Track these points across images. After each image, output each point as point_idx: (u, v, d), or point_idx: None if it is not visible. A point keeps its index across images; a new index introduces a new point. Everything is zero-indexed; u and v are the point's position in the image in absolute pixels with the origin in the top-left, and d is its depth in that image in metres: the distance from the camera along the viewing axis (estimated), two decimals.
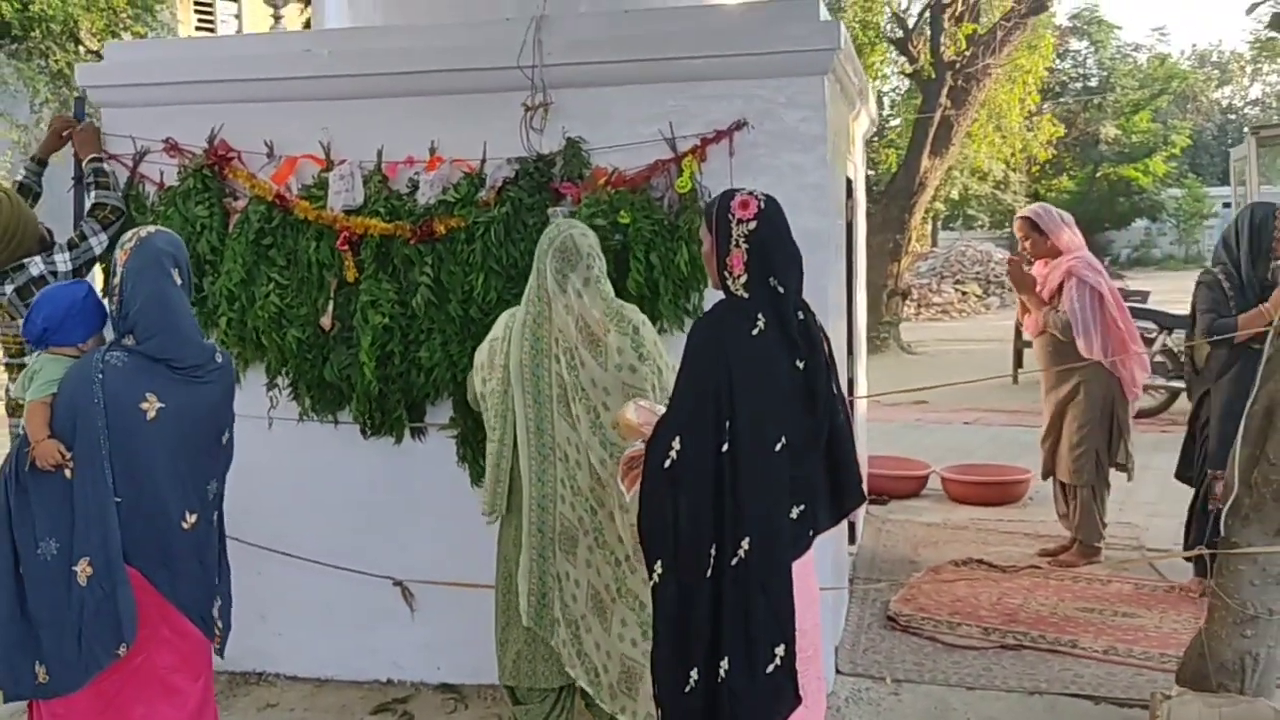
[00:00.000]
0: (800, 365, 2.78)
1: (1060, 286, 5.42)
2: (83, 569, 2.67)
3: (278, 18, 6.82)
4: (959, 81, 14.14)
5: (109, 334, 2.93)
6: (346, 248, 3.96)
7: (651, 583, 2.79)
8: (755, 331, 2.74)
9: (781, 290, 2.76)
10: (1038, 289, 5.60)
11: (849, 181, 5.13)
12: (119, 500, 2.70)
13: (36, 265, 3.84)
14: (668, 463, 2.73)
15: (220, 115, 4.16)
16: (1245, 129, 14.63)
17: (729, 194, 2.80)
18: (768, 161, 3.86)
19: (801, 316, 2.81)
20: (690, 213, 3.84)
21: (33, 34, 13.66)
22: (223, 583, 3.04)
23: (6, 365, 3.97)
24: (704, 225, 2.87)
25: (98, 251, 4.05)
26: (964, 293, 23.33)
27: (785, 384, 2.76)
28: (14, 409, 3.91)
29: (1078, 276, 5.36)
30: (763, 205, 2.76)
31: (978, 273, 24.51)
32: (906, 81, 18.16)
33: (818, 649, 2.99)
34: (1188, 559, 5.02)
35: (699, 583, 2.73)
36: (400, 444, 4.14)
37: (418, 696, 4.15)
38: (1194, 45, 48.68)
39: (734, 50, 3.86)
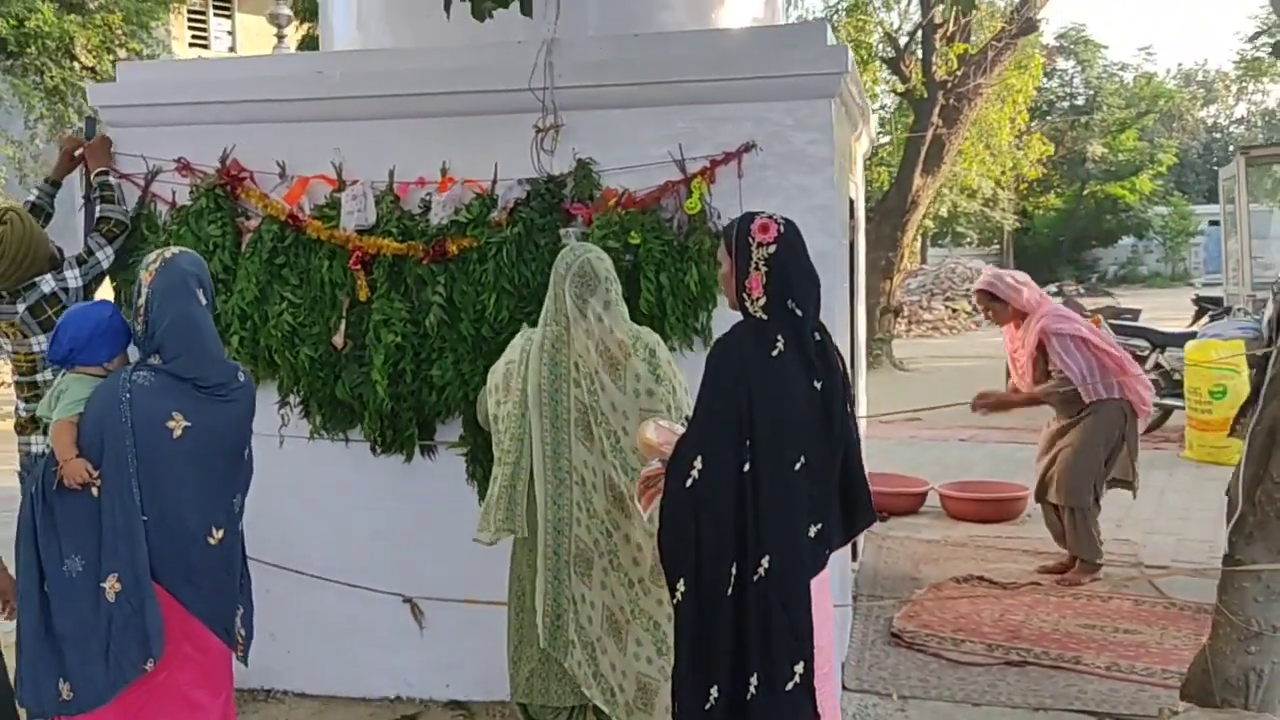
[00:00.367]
0: (818, 386, 2.83)
1: (1040, 345, 5.47)
2: (111, 585, 2.70)
3: (281, 36, 6.86)
4: (950, 100, 14.26)
5: (132, 353, 2.96)
6: (359, 267, 3.99)
7: (674, 600, 2.82)
8: (774, 353, 2.78)
9: (800, 313, 2.81)
10: (1014, 351, 5.67)
11: (850, 202, 5.20)
12: (145, 518, 2.73)
13: (48, 283, 3.87)
14: (689, 482, 2.77)
15: (232, 135, 4.19)
16: (1235, 149, 14.79)
17: (749, 217, 2.84)
18: (776, 183, 3.92)
19: (819, 338, 2.86)
20: (700, 234, 3.89)
21: (28, 50, 13.66)
22: (245, 592, 3.07)
23: (17, 383, 3.99)
24: (723, 247, 2.92)
25: (105, 266, 4.08)
26: (954, 310, 23.45)
27: (803, 404, 2.81)
28: (22, 426, 3.93)
29: (1054, 334, 5.41)
30: (782, 229, 2.81)
31: (967, 290, 24.57)
32: (896, 100, 18.28)
33: (833, 666, 3.03)
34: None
35: (720, 600, 2.77)
36: (410, 462, 4.17)
37: (426, 714, 4.17)
38: (1179, 64, 49.16)
39: (742, 74, 3.92)
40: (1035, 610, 5.04)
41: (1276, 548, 3.34)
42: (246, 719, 4.14)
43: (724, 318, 3.86)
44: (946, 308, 23.39)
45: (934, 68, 14.47)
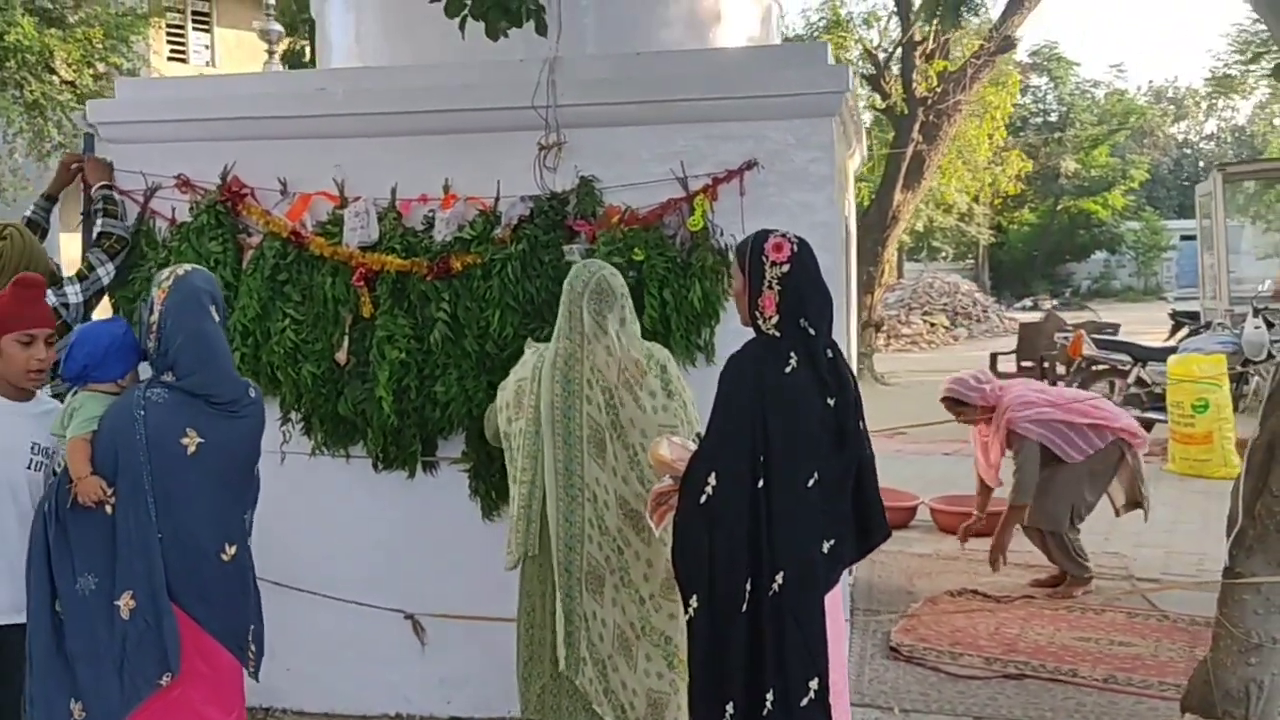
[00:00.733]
0: (831, 403, 2.85)
1: (1009, 436, 5.50)
2: (125, 602, 2.69)
3: (271, 52, 6.85)
4: (930, 117, 14.39)
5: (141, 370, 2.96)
6: (362, 284, 4.00)
7: (687, 616, 2.84)
8: (788, 370, 2.81)
9: (813, 332, 2.83)
10: (985, 445, 5.71)
11: (845, 219, 5.24)
12: (160, 535, 2.72)
13: (48, 298, 3.84)
14: (703, 498, 2.79)
15: (233, 152, 4.19)
16: (1214, 165, 14.99)
17: (762, 235, 2.87)
18: (778, 200, 3.95)
19: (831, 355, 2.88)
20: (703, 250, 3.92)
21: (7, 64, 13.54)
22: (256, 608, 3.06)
23: None
24: (736, 264, 2.94)
25: (105, 282, 4.07)
26: (932, 324, 23.60)
27: (816, 421, 2.83)
28: None
29: (1021, 423, 5.43)
30: (796, 248, 2.84)
31: (945, 304, 24.81)
32: (874, 116, 18.42)
33: (846, 681, 3.04)
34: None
35: (734, 616, 2.78)
36: (413, 478, 4.17)
37: None
38: (1150, 81, 49.83)
39: (744, 92, 3.96)
40: (1030, 624, 5.08)
41: (1276, 560, 3.39)
42: None
43: (727, 333, 3.91)
44: (925, 321, 23.53)
45: (914, 84, 14.59)
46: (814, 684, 2.80)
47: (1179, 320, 13.39)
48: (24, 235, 3.88)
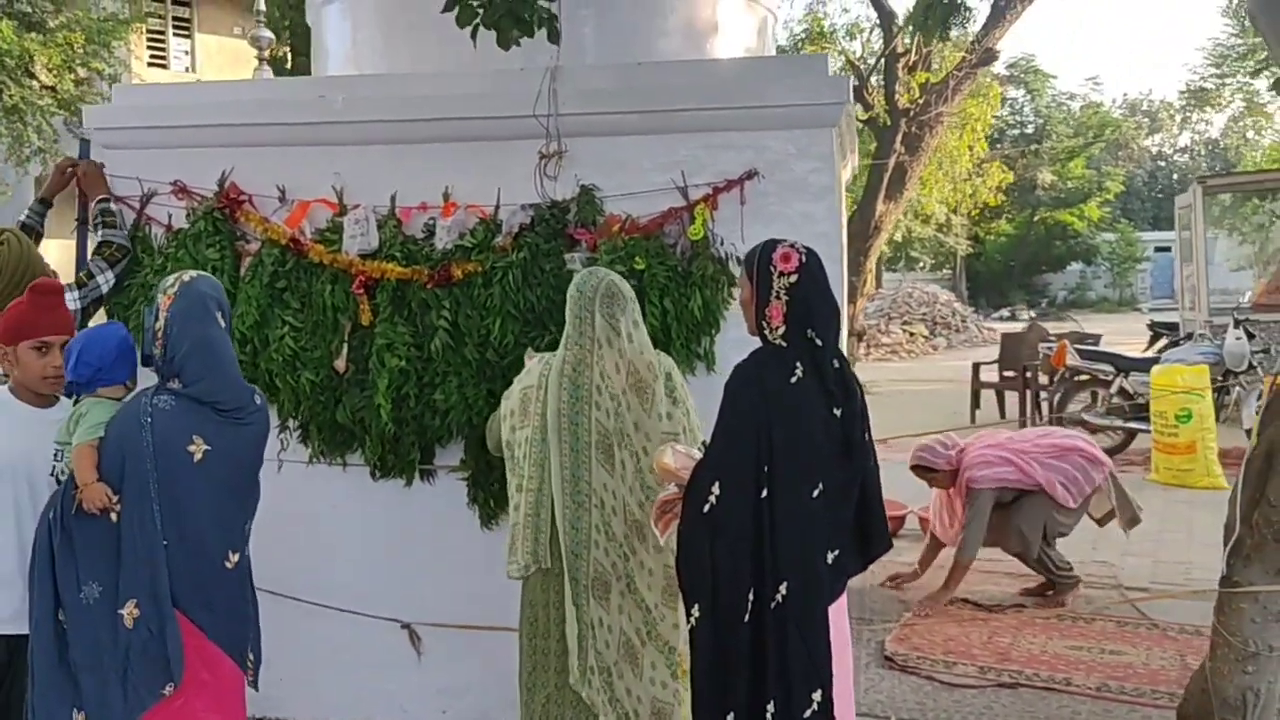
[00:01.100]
0: (837, 413, 2.87)
1: (968, 493, 5.55)
2: (130, 610, 2.67)
3: (261, 59, 6.82)
4: (912, 128, 14.46)
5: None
6: (362, 291, 3.98)
7: (689, 625, 2.84)
8: (794, 380, 2.82)
9: (820, 342, 2.84)
10: (949, 503, 5.74)
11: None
12: (165, 542, 2.70)
13: None
14: (707, 507, 2.79)
15: (230, 159, 4.17)
16: (1186, 178, 15.17)
17: (771, 245, 2.88)
18: (778, 210, 3.97)
19: (838, 365, 2.90)
20: (703, 259, 3.93)
21: None
22: (254, 616, 3.05)
23: None
24: (743, 273, 2.96)
25: (104, 290, 4.04)
26: (911, 333, 23.72)
27: (822, 432, 2.84)
28: None
29: (977, 482, 5.50)
30: (804, 259, 2.85)
31: (924, 314, 24.93)
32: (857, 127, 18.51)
33: (850, 692, 3.05)
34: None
35: (737, 626, 2.79)
36: (410, 486, 4.15)
37: None
38: (1125, 94, 50.31)
39: (745, 102, 3.97)
40: (1022, 632, 5.11)
41: (1273, 569, 3.41)
42: None
43: (727, 343, 3.92)
44: (904, 331, 23.65)
45: (896, 96, 14.67)
46: (817, 695, 2.80)
47: (1158, 331, 13.51)
48: (21, 241, 3.85)
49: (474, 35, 3.60)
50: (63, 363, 2.92)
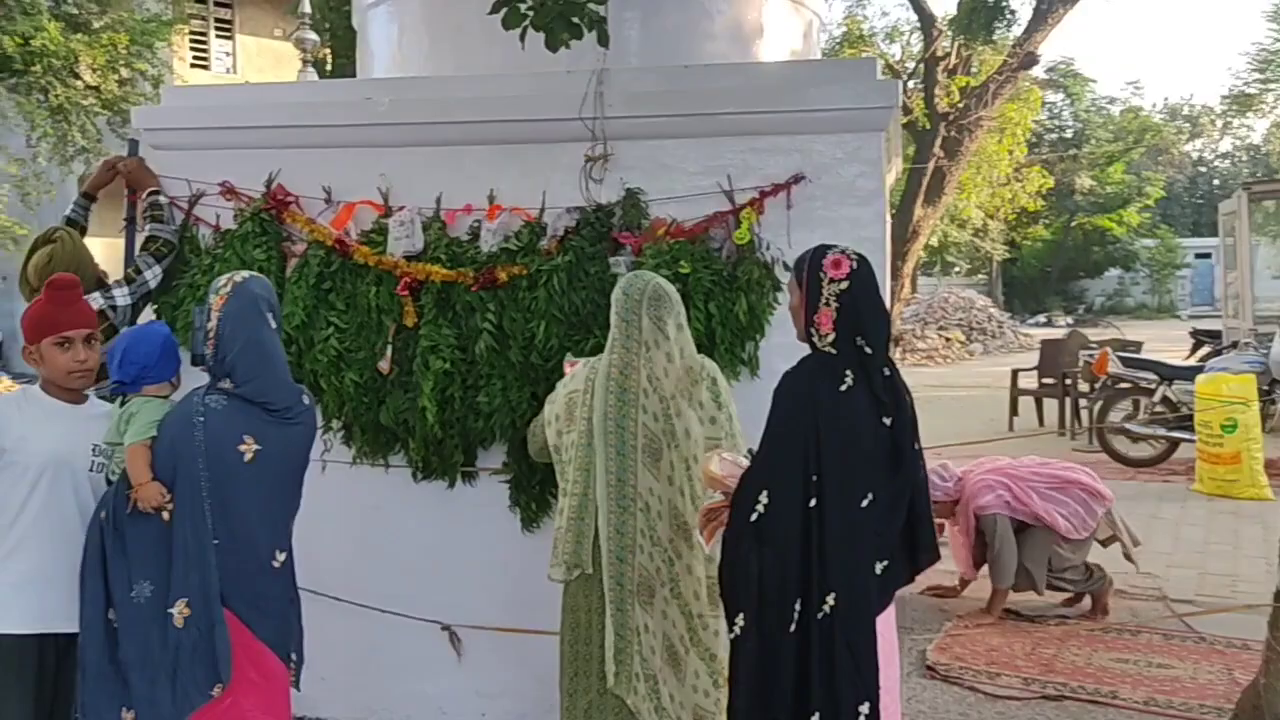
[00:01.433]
0: (887, 422, 2.82)
1: (977, 520, 5.49)
2: (180, 610, 2.69)
3: (306, 61, 6.86)
4: (952, 132, 14.38)
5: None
6: (407, 293, 3.99)
7: (733, 634, 2.81)
8: (843, 388, 2.78)
9: (870, 350, 2.81)
10: (961, 549, 5.68)
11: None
12: (216, 542, 2.71)
13: (95, 300, 3.84)
14: (754, 516, 2.76)
15: (278, 160, 4.19)
16: (1227, 183, 14.96)
17: (821, 250, 2.85)
18: (824, 214, 3.94)
19: (888, 373, 2.85)
20: (749, 264, 3.91)
21: (33, 69, 13.62)
22: (298, 616, 3.06)
23: None
24: (793, 279, 2.92)
25: (153, 285, 4.07)
26: (947, 339, 23.52)
27: (872, 441, 2.80)
28: None
29: (985, 509, 5.44)
30: (855, 265, 2.81)
31: (960, 319, 24.73)
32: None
33: (897, 704, 3.01)
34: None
35: (782, 637, 2.75)
36: (452, 488, 4.15)
37: None
38: (1165, 99, 49.53)
39: (792, 106, 3.95)
40: (1066, 644, 5.04)
41: None
42: None
43: (771, 348, 3.89)
44: (940, 336, 23.45)
45: (936, 100, 14.58)
46: (865, 708, 2.75)
47: (1200, 339, 13.33)
48: (74, 239, 3.91)
49: (522, 37, 3.59)
50: (86, 356, 2.92)
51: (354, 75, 6.46)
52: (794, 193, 3.94)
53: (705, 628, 3.19)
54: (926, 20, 14.89)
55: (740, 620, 2.78)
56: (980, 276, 39.26)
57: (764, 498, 2.76)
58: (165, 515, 2.72)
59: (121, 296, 3.90)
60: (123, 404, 2.93)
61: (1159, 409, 9.51)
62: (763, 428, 2.87)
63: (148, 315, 4.20)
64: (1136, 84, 51.26)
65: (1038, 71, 26.08)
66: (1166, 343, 17.15)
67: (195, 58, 20.35)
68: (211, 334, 2.81)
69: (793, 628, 2.75)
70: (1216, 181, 46.79)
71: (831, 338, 2.81)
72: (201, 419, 2.73)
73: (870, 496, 2.79)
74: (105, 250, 5.10)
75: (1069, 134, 40.15)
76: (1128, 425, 9.65)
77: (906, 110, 15.31)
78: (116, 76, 14.30)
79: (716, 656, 3.19)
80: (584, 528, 3.17)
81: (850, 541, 2.77)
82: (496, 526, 4.12)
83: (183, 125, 4.30)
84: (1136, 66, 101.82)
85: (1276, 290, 18.48)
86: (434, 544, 4.19)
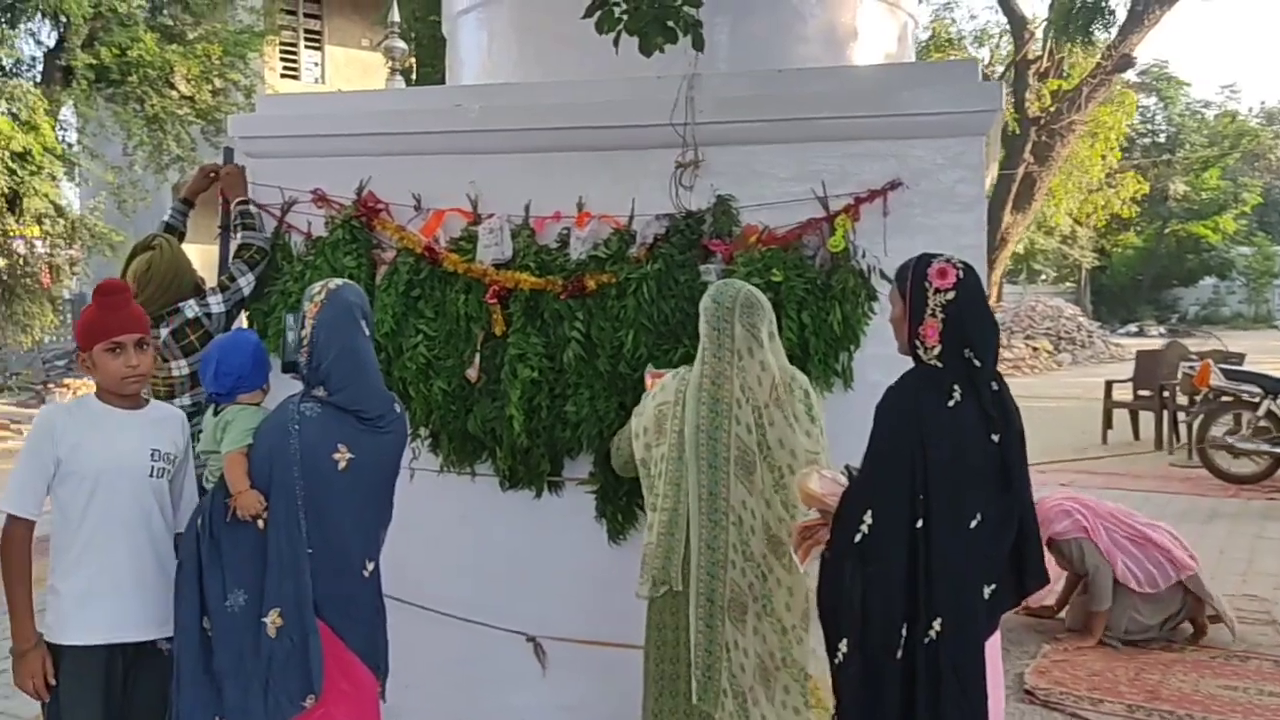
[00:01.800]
0: (995, 439, 2.71)
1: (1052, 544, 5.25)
2: (273, 620, 2.68)
3: (393, 70, 6.92)
4: (1043, 137, 14.04)
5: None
6: (495, 301, 3.96)
7: (835, 660, 2.72)
8: (951, 403, 2.68)
9: (978, 363, 2.70)
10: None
11: None
12: (310, 551, 2.70)
13: (191, 308, 3.88)
14: (858, 537, 2.67)
15: (368, 168, 4.19)
16: None
17: (925, 260, 2.75)
18: (923, 221, 3.82)
19: (996, 388, 2.74)
20: (843, 272, 3.80)
21: (129, 79, 14.03)
22: (384, 626, 3.03)
23: None
24: (895, 290, 2.83)
25: (246, 293, 4.10)
26: (1035, 348, 23.02)
27: (981, 458, 2.69)
28: None
29: (1062, 535, 5.25)
30: (962, 274, 2.71)
31: (1048, 328, 24.20)
32: None
33: None
34: None
35: (888, 662, 2.66)
36: (539, 498, 4.11)
37: None
38: (1263, 103, 48.02)
39: (888, 110, 3.84)
40: (1171, 669, 4.84)
41: None
42: None
43: (866, 359, 3.79)
44: (1027, 346, 22.97)
45: (1026, 104, 14.25)
46: None
47: None
48: (173, 246, 3.95)
49: (616, 42, 3.54)
50: (139, 361, 2.84)
51: (439, 83, 6.49)
52: (891, 199, 3.82)
53: (799, 641, 3.10)
54: (1017, 22, 14.56)
55: (843, 646, 2.69)
56: (1068, 284, 38.41)
57: (868, 518, 2.67)
58: (260, 524, 2.71)
59: (216, 304, 3.93)
60: (216, 412, 2.94)
61: (1263, 423, 9.15)
62: (856, 441, 2.78)
63: (239, 322, 4.24)
64: (1233, 87, 49.86)
65: (1130, 75, 25.46)
66: (1265, 354, 16.57)
67: (285, 68, 20.78)
68: (306, 341, 2.81)
69: (899, 653, 2.66)
70: None
71: (937, 350, 2.71)
72: (297, 427, 2.73)
73: (979, 517, 2.68)
74: (200, 257, 5.18)
75: (1162, 138, 39.12)
76: (1230, 440, 9.29)
77: None
78: (210, 86, 14.66)
79: (809, 676, 3.10)
80: (674, 543, 3.10)
81: (959, 564, 2.67)
82: (583, 537, 4.06)
83: (276, 133, 4.34)
84: (1233, 69, 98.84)
85: None
86: (520, 554, 4.16)
